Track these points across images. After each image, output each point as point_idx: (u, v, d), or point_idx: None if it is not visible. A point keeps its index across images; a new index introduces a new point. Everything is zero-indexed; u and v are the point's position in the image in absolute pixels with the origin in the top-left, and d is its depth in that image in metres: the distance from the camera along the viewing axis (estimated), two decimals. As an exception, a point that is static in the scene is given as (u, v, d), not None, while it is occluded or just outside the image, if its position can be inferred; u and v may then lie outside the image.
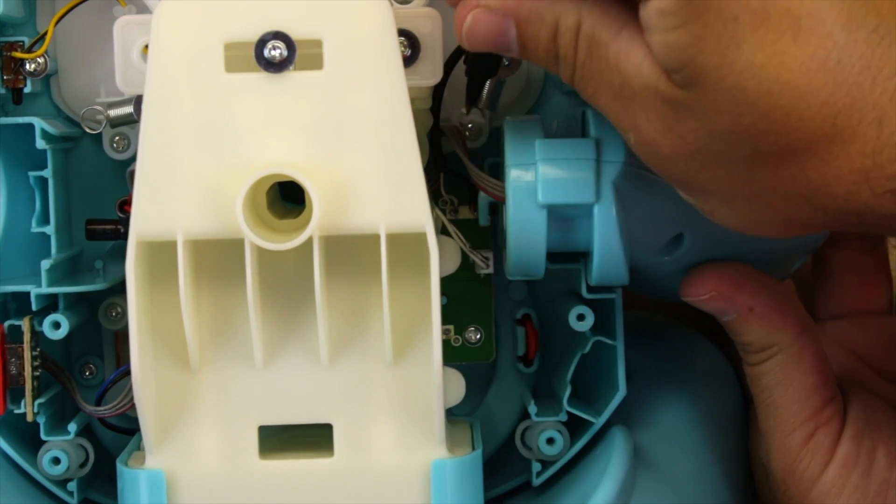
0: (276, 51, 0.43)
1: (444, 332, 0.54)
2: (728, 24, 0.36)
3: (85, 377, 0.55)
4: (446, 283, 0.54)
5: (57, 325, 0.50)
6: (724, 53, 0.36)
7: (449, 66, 0.50)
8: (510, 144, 0.47)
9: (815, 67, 0.36)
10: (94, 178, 0.54)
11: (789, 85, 0.36)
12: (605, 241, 0.47)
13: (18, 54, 0.49)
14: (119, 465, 0.47)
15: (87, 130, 0.51)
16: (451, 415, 0.55)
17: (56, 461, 0.51)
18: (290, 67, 0.43)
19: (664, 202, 0.47)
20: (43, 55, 0.50)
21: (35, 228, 0.51)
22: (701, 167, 0.40)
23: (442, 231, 0.52)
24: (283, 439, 0.48)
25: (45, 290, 0.50)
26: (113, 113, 0.50)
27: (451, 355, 0.54)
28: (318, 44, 0.44)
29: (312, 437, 0.47)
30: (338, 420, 0.46)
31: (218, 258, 0.47)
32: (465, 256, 0.52)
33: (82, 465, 0.52)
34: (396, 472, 0.46)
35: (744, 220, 0.41)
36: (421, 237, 0.45)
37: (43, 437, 0.51)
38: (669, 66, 0.38)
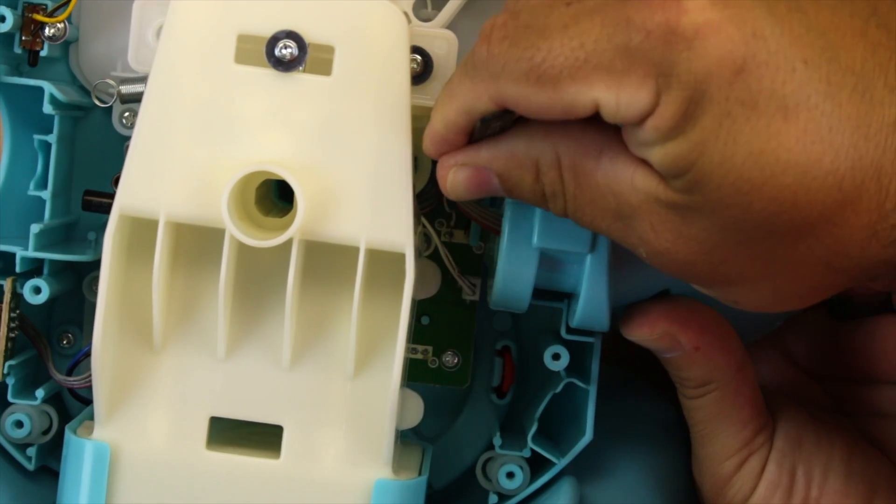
0: (287, 49, 0.43)
1: (423, 352, 0.54)
2: (723, 122, 0.36)
3: (62, 345, 0.55)
4: (431, 304, 0.54)
5: (38, 290, 0.50)
6: (723, 151, 0.37)
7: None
8: None
9: (811, 140, 0.36)
10: (100, 151, 0.54)
11: (790, 163, 0.36)
12: (593, 289, 0.47)
13: (39, 17, 0.49)
14: (67, 432, 0.47)
15: (97, 103, 0.51)
16: (414, 435, 0.55)
17: (19, 424, 0.51)
18: (300, 68, 0.44)
19: None
20: (64, 21, 0.50)
21: (32, 191, 0.51)
22: (720, 262, 0.40)
23: (434, 251, 0.52)
24: (235, 434, 0.48)
25: (31, 253, 0.50)
26: (125, 89, 0.50)
27: (427, 376, 0.54)
28: (330, 50, 0.44)
29: (263, 437, 0.47)
30: (289, 424, 0.46)
31: (197, 245, 0.47)
32: (454, 280, 0.52)
33: (45, 432, 0.52)
34: (338, 485, 0.46)
35: (770, 301, 0.41)
36: (401, 258, 0.45)
37: (10, 399, 0.51)
38: (671, 175, 0.38)
